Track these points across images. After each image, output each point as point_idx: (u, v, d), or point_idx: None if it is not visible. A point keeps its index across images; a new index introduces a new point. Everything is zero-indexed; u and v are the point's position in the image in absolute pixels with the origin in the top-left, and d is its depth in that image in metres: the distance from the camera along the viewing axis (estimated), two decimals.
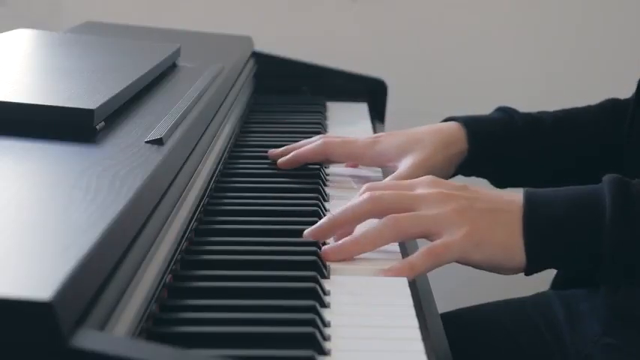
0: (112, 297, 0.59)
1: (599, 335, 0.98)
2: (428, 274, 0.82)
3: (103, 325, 0.57)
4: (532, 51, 1.96)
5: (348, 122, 1.29)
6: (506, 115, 1.11)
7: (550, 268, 0.82)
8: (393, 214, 0.81)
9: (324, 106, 1.41)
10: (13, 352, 0.50)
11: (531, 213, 0.80)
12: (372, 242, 0.81)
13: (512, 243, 0.80)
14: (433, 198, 0.82)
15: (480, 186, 0.86)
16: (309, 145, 1.06)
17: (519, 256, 0.80)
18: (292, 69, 1.50)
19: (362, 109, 1.42)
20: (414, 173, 1.01)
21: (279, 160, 1.06)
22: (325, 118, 1.34)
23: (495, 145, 1.09)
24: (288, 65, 1.50)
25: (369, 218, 0.83)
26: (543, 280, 1.16)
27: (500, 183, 1.13)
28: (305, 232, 0.84)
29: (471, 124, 1.08)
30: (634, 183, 0.81)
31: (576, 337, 1.00)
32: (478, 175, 1.13)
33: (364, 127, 1.29)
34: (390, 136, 1.07)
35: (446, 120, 1.11)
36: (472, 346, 1.04)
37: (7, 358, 0.50)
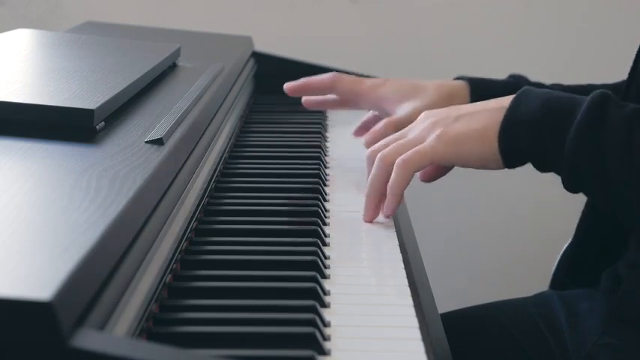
0: (112, 297, 0.59)
1: (599, 335, 0.98)
2: (428, 274, 0.83)
3: (103, 325, 0.57)
4: (532, 51, 1.96)
5: (348, 122, 1.29)
6: (513, 79, 1.12)
7: (525, 160, 0.86)
8: (380, 152, 0.87)
9: None
10: (13, 352, 0.50)
11: (514, 106, 0.84)
12: (376, 186, 0.88)
13: (488, 134, 0.84)
14: (418, 122, 0.89)
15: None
16: (318, 76, 1.13)
17: (493, 147, 0.84)
18: (292, 69, 1.50)
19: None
20: (411, 119, 1.03)
21: (287, 84, 1.12)
22: (325, 118, 1.34)
23: None
24: (288, 65, 1.50)
25: (388, 176, 0.87)
26: (544, 280, 1.16)
27: None
28: (363, 218, 0.90)
29: (476, 83, 1.11)
30: (618, 104, 0.83)
31: (576, 336, 1.00)
32: None
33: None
34: (396, 81, 1.11)
35: (457, 78, 1.14)
36: (472, 346, 1.04)
37: (7, 358, 0.50)
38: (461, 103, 1.08)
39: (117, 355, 0.51)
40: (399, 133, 0.91)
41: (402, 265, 0.81)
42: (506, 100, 0.86)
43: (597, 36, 1.96)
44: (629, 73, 1.06)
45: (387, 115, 1.11)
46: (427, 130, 0.86)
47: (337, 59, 1.63)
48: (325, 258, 0.81)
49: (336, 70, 1.49)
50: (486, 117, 0.85)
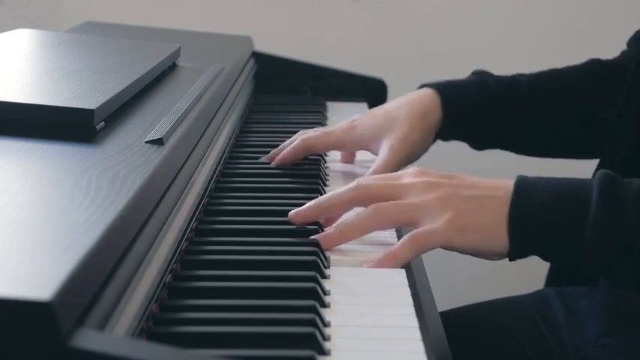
0: (112, 297, 0.59)
1: (598, 335, 0.98)
2: (428, 274, 0.83)
3: (103, 325, 0.57)
4: (532, 51, 1.96)
5: None
6: (481, 78, 1.11)
7: (532, 254, 0.82)
8: (377, 203, 0.82)
9: (324, 106, 1.41)
10: (13, 352, 0.50)
11: (519, 198, 0.80)
12: (356, 230, 0.82)
13: (497, 228, 0.80)
14: (418, 187, 0.83)
15: (468, 174, 0.86)
16: (289, 147, 1.06)
17: (503, 240, 0.80)
18: (292, 69, 1.50)
19: (362, 109, 1.41)
20: (396, 157, 1.02)
21: (268, 158, 1.07)
22: (325, 118, 1.34)
23: (470, 111, 1.09)
24: (288, 65, 1.50)
25: (354, 206, 0.84)
26: (542, 278, 1.16)
27: (478, 146, 1.14)
28: (290, 212, 0.85)
29: (445, 90, 1.09)
30: (624, 182, 0.81)
31: (575, 336, 1.00)
32: (456, 139, 1.13)
33: None
34: (366, 118, 1.07)
35: (421, 87, 1.11)
36: (472, 345, 1.04)
37: (7, 358, 0.50)
38: (434, 119, 1.07)
39: (117, 355, 0.51)
40: (392, 183, 0.84)
41: (402, 266, 0.81)
42: (506, 188, 0.82)
43: (597, 35, 1.96)
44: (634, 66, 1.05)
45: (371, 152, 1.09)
46: (435, 205, 0.81)
47: (337, 59, 1.63)
48: (325, 258, 0.81)
49: (336, 70, 1.49)
50: (494, 208, 0.80)
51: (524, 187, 0.81)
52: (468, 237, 0.80)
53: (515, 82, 1.11)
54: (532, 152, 1.17)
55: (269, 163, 1.07)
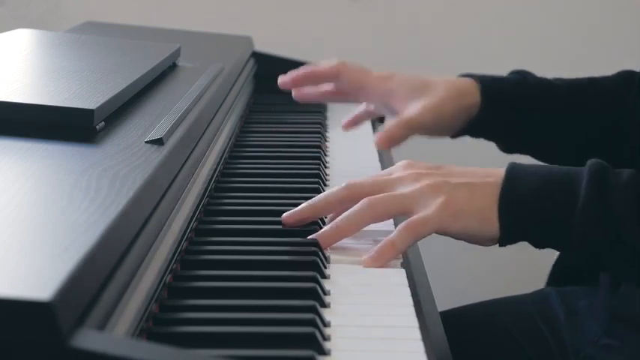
0: (112, 297, 0.59)
1: (598, 335, 0.98)
2: (428, 274, 0.83)
3: (103, 325, 0.57)
4: (533, 51, 1.96)
5: None
6: (520, 76, 1.11)
7: (522, 240, 0.83)
8: (368, 197, 0.82)
9: (324, 106, 1.40)
10: (13, 352, 0.50)
11: (509, 184, 0.82)
12: (351, 225, 0.82)
13: (488, 213, 0.81)
14: (408, 178, 0.83)
15: (456, 164, 0.87)
16: (325, 64, 1.07)
17: (494, 225, 0.81)
18: (292, 69, 1.50)
19: (362, 108, 1.41)
20: (423, 117, 1.02)
21: (283, 78, 1.08)
22: (325, 118, 1.34)
23: (507, 104, 1.08)
24: (288, 65, 1.49)
25: (345, 205, 0.84)
26: (543, 277, 1.16)
27: (508, 147, 1.12)
28: (283, 214, 0.85)
29: (485, 80, 1.08)
30: (615, 171, 0.82)
31: (575, 336, 1.00)
32: (487, 137, 1.12)
33: (364, 127, 1.29)
34: (404, 76, 1.07)
35: (462, 76, 1.11)
36: (472, 345, 1.04)
37: (7, 358, 0.50)
38: (471, 102, 1.06)
39: (117, 355, 0.51)
40: (382, 178, 0.86)
41: (402, 265, 0.81)
42: (498, 174, 0.83)
43: (597, 35, 1.96)
44: None
45: (390, 110, 1.09)
46: (426, 192, 0.82)
47: (337, 59, 1.63)
48: (325, 258, 0.81)
49: None
50: (485, 194, 0.82)
51: (515, 174, 0.82)
52: (461, 222, 0.81)
53: (553, 83, 1.11)
54: (559, 158, 1.15)
55: (270, 163, 1.07)
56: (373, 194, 0.83)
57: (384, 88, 1.06)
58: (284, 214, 0.85)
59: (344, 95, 1.13)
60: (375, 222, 0.84)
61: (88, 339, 0.51)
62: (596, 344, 0.97)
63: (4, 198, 0.65)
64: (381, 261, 0.80)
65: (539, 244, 0.84)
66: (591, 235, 0.79)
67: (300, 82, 1.07)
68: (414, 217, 0.80)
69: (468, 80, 1.08)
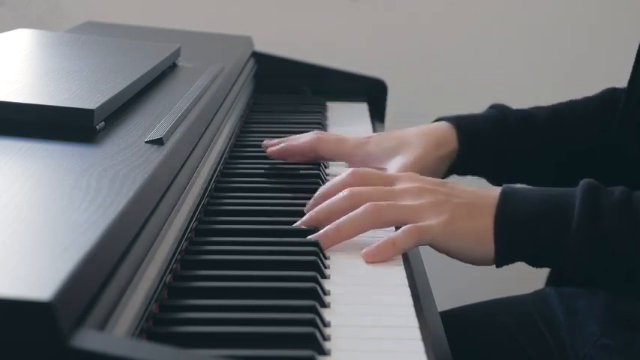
0: (112, 297, 0.59)
1: (597, 336, 0.98)
2: (428, 274, 0.83)
3: (103, 325, 0.57)
4: (533, 51, 1.96)
5: (348, 122, 1.29)
6: (498, 112, 1.11)
7: (518, 261, 0.85)
8: (374, 202, 0.84)
9: (324, 106, 1.41)
10: (13, 352, 0.50)
11: (504, 206, 0.84)
12: (353, 228, 0.84)
13: (485, 234, 0.83)
14: (412, 192, 0.86)
15: (459, 182, 0.89)
16: (301, 138, 1.07)
17: (489, 247, 0.83)
18: (292, 69, 1.50)
19: (362, 109, 1.42)
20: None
21: (269, 149, 1.06)
22: (325, 118, 1.34)
23: (486, 144, 1.10)
24: (288, 65, 1.50)
25: (349, 212, 0.85)
26: (542, 278, 1.16)
27: (496, 180, 1.13)
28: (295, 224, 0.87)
29: (461, 123, 1.09)
30: (607, 190, 0.84)
31: (575, 336, 1.00)
32: (473, 174, 1.13)
33: (364, 127, 1.29)
34: (380, 137, 1.08)
35: (437, 120, 1.11)
36: (472, 346, 1.04)
37: (7, 358, 0.50)
38: (449, 150, 1.07)
39: (117, 355, 0.51)
40: (386, 188, 0.87)
41: (402, 265, 0.81)
42: (493, 196, 0.85)
43: (597, 35, 1.96)
44: (629, 82, 1.06)
45: None
46: (429, 208, 0.84)
47: (337, 59, 1.63)
48: (325, 258, 0.81)
49: (336, 70, 1.49)
50: (483, 215, 0.84)
51: (509, 195, 0.85)
52: (458, 241, 0.83)
53: (532, 115, 1.12)
54: (547, 184, 1.16)
55: (270, 163, 1.07)
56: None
57: (362, 154, 1.06)
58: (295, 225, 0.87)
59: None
60: (376, 228, 0.85)
61: (88, 339, 0.51)
62: (595, 344, 0.97)
63: (4, 198, 0.65)
64: (379, 257, 0.81)
65: (535, 264, 0.86)
66: (586, 255, 0.82)
67: (282, 156, 1.07)
68: (420, 223, 0.82)
69: (444, 127, 1.09)
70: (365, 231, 0.84)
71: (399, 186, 0.87)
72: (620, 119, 1.07)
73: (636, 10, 1.94)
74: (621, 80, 1.13)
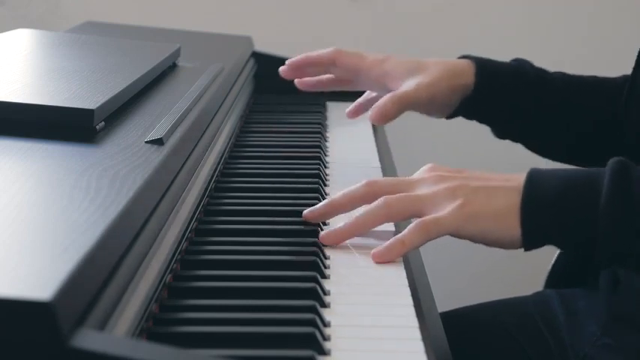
0: (112, 297, 0.59)
1: (597, 336, 0.98)
2: (428, 274, 0.83)
3: (103, 325, 0.57)
4: (533, 51, 1.96)
5: (348, 122, 1.29)
6: (519, 64, 1.11)
7: (547, 243, 0.82)
8: (385, 196, 0.82)
9: (324, 106, 1.41)
10: (12, 352, 0.50)
11: (531, 186, 0.80)
12: (366, 223, 0.83)
13: (509, 216, 0.80)
14: (429, 180, 0.84)
15: (480, 171, 0.86)
16: (318, 51, 1.10)
17: (515, 229, 0.80)
18: None
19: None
20: (417, 93, 1.03)
21: (283, 66, 1.10)
22: (325, 118, 1.34)
23: (501, 87, 1.08)
24: None
25: (365, 202, 0.84)
26: (543, 279, 1.16)
27: (500, 132, 1.13)
28: (304, 211, 0.86)
29: (481, 62, 1.09)
30: (636, 167, 0.80)
31: (575, 336, 1.00)
32: (480, 119, 1.12)
33: (364, 127, 1.29)
34: (398, 58, 1.09)
35: (460, 57, 1.12)
36: (472, 346, 1.04)
37: (7, 358, 0.50)
38: (465, 82, 1.07)
39: (117, 355, 0.51)
40: (403, 179, 0.86)
41: (402, 265, 0.81)
42: (518, 179, 0.82)
43: (597, 35, 1.96)
44: (632, 74, 1.05)
45: (388, 92, 1.09)
46: (444, 195, 0.81)
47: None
48: (325, 258, 0.81)
49: None
50: (505, 197, 0.81)
51: (536, 177, 0.81)
52: (477, 225, 0.80)
53: (551, 75, 1.11)
54: (550, 151, 1.15)
55: (270, 163, 1.07)
56: (392, 194, 0.83)
57: (379, 70, 1.07)
58: (305, 211, 0.87)
59: (342, 82, 1.15)
60: (390, 221, 0.84)
61: (88, 339, 0.51)
62: (595, 344, 0.97)
63: (4, 198, 0.65)
64: (388, 257, 0.80)
65: (564, 246, 0.83)
66: (617, 230, 0.78)
67: (298, 68, 1.09)
68: (429, 216, 0.80)
69: (464, 61, 1.09)
70: (378, 224, 0.83)
71: (415, 176, 0.85)
72: (624, 109, 1.06)
73: (637, 10, 1.94)
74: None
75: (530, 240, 0.81)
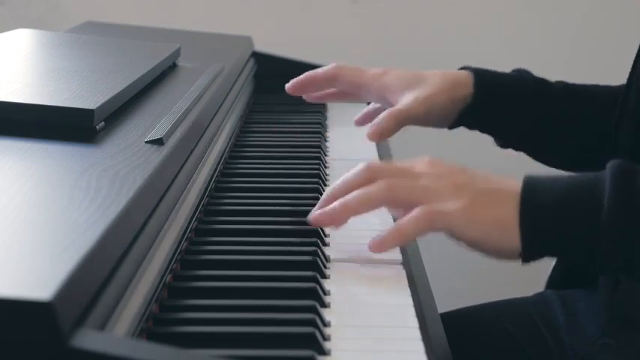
0: (112, 297, 0.59)
1: (597, 336, 0.98)
2: (428, 274, 0.82)
3: (103, 325, 0.57)
4: (533, 51, 1.96)
5: (348, 122, 1.29)
6: (518, 74, 1.11)
7: (546, 254, 0.78)
8: (389, 178, 0.79)
9: (324, 106, 1.41)
10: (13, 351, 0.50)
11: (529, 196, 0.77)
12: (363, 204, 0.79)
13: (508, 225, 0.76)
14: (432, 174, 0.80)
15: (479, 170, 0.83)
16: (320, 70, 1.10)
17: (514, 239, 0.76)
18: (292, 69, 1.49)
19: (362, 109, 1.41)
20: (414, 108, 1.03)
21: (288, 84, 1.10)
22: (325, 118, 1.34)
23: (500, 97, 1.08)
24: (288, 65, 1.50)
25: (383, 204, 0.80)
26: (544, 280, 1.16)
27: (502, 142, 1.12)
28: (309, 215, 0.83)
29: (480, 72, 1.09)
30: (635, 168, 0.77)
31: (575, 336, 1.00)
32: (481, 129, 1.11)
33: (364, 127, 1.29)
34: (398, 71, 1.09)
35: (460, 69, 1.11)
36: (472, 346, 1.04)
37: (7, 358, 0.50)
38: (464, 93, 1.06)
39: (117, 355, 0.51)
40: (406, 168, 0.82)
41: (402, 265, 0.81)
42: (517, 185, 0.79)
43: (598, 36, 1.96)
44: (628, 77, 1.05)
45: (389, 105, 1.09)
46: (449, 190, 0.78)
47: (337, 59, 1.62)
48: (325, 258, 0.81)
49: None
50: (505, 204, 0.77)
51: (533, 184, 0.79)
52: (477, 230, 0.77)
53: (551, 85, 1.11)
54: (552, 159, 1.14)
55: (270, 163, 1.07)
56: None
57: (378, 85, 1.08)
58: (311, 217, 0.82)
59: (345, 95, 1.15)
60: (387, 206, 0.81)
61: (88, 339, 0.51)
62: (595, 344, 0.97)
63: (4, 198, 0.65)
64: (385, 246, 0.77)
65: (563, 254, 0.80)
66: (621, 235, 0.74)
67: (302, 87, 1.10)
68: (434, 207, 0.76)
69: (463, 72, 1.09)
70: (376, 207, 0.79)
71: (417, 168, 0.81)
72: (618, 115, 1.06)
73: (636, 10, 1.94)
74: (621, 80, 1.13)
75: (529, 250, 0.77)
